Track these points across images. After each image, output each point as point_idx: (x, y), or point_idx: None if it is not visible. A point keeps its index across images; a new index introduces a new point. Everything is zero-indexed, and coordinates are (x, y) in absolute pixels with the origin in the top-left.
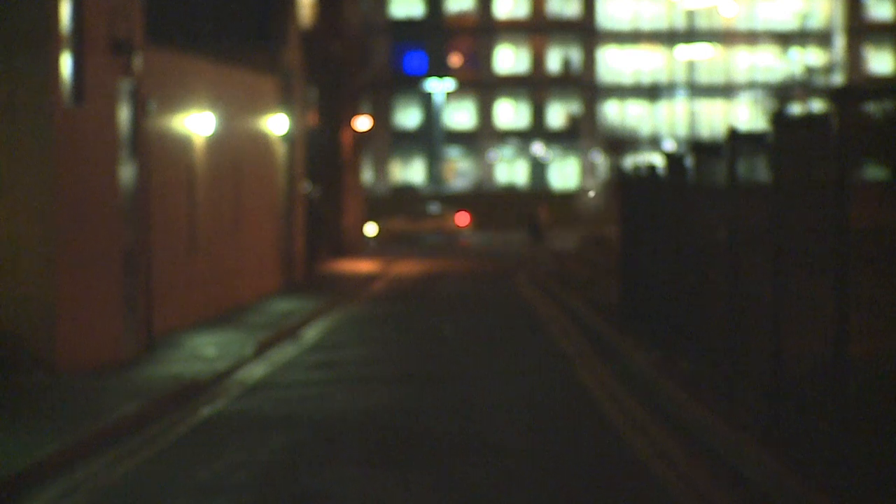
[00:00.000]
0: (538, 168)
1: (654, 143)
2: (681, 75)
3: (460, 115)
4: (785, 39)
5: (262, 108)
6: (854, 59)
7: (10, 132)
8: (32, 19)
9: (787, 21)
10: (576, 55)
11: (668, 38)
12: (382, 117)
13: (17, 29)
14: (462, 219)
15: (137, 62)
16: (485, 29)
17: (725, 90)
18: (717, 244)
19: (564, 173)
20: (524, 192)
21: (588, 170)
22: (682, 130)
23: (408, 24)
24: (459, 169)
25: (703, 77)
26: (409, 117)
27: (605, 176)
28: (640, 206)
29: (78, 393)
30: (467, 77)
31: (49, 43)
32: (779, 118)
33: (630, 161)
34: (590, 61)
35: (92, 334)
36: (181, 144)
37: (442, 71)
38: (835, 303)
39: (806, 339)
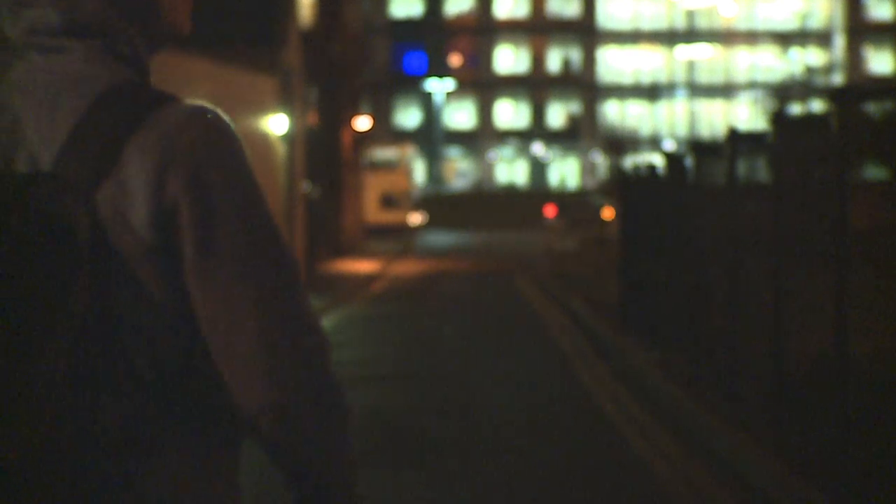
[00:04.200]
0: (538, 168)
1: (654, 143)
2: (681, 75)
3: (460, 115)
4: (785, 39)
5: (262, 108)
6: (854, 59)
7: None
8: None
9: (787, 21)
10: (576, 55)
11: (668, 38)
12: (382, 117)
13: None
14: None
15: None
16: (485, 29)
17: (725, 90)
18: (717, 244)
19: (564, 173)
20: (524, 192)
21: (588, 170)
22: (682, 130)
23: (408, 24)
24: (459, 169)
25: (703, 77)
26: (409, 117)
27: (605, 176)
28: (640, 206)
29: None
30: (467, 77)
31: None
32: (779, 118)
33: (630, 161)
34: (590, 61)
35: None
36: None
37: (442, 71)
38: (835, 303)
39: (806, 338)
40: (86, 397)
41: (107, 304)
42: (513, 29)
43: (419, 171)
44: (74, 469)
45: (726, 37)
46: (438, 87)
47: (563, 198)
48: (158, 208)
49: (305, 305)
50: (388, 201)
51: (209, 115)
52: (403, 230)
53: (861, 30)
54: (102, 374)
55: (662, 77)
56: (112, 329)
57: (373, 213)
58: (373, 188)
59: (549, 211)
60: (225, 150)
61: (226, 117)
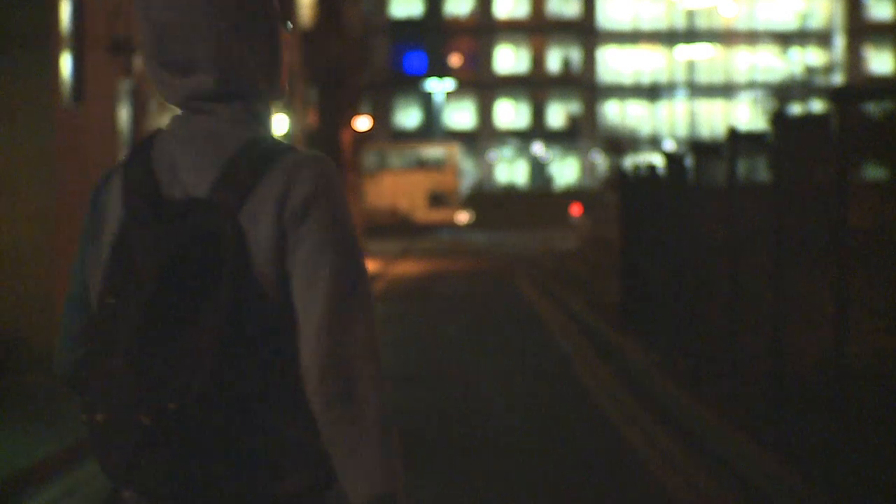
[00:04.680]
0: (538, 168)
1: (654, 143)
2: (681, 75)
3: (460, 115)
4: (785, 39)
5: None
6: (854, 59)
7: (10, 132)
8: (32, 19)
9: (787, 21)
10: (576, 55)
11: (668, 38)
12: (382, 117)
13: (17, 29)
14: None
15: (137, 62)
16: (485, 29)
17: (725, 90)
18: (716, 244)
19: (564, 173)
20: (524, 192)
21: (588, 170)
22: (682, 130)
23: (408, 24)
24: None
25: (703, 77)
26: (409, 117)
27: (605, 175)
28: (640, 206)
29: None
30: (467, 77)
31: (49, 43)
32: (779, 118)
33: (630, 161)
34: (590, 61)
35: None
36: None
37: (442, 71)
38: (835, 303)
39: (806, 338)
40: (226, 358)
41: (242, 293)
42: (513, 29)
43: None
44: (220, 411)
45: (726, 37)
46: (438, 87)
47: (571, 196)
48: (279, 223)
49: (365, 305)
50: (437, 200)
51: (319, 161)
52: (451, 229)
53: (861, 30)
54: (237, 342)
55: (662, 77)
56: (244, 308)
57: (421, 211)
58: (421, 187)
59: (576, 210)
60: (327, 188)
61: (331, 163)
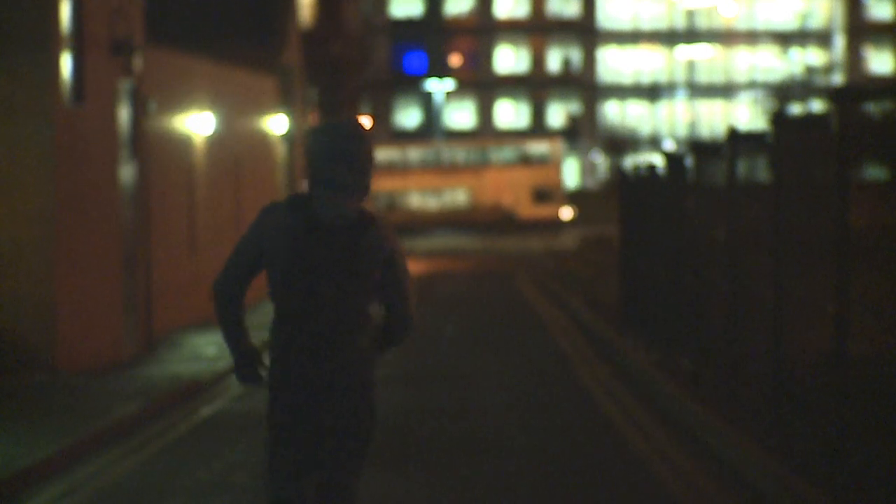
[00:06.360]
0: None
1: (654, 143)
2: (681, 75)
3: (460, 115)
4: (785, 39)
5: (262, 108)
6: (854, 59)
7: (10, 132)
8: (32, 19)
9: (787, 21)
10: (576, 55)
11: (668, 38)
12: (382, 117)
13: (17, 29)
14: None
15: (137, 62)
16: (485, 29)
17: (725, 90)
18: (716, 244)
19: (564, 173)
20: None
21: (588, 170)
22: (682, 130)
23: (408, 24)
24: None
25: (703, 77)
26: (409, 117)
27: (605, 176)
28: (640, 206)
29: (78, 393)
30: (467, 77)
31: (49, 43)
32: (779, 118)
33: (630, 161)
34: (590, 61)
35: (92, 334)
36: (181, 144)
37: (442, 71)
38: (835, 303)
39: (806, 338)
40: (354, 306)
41: (363, 278)
42: (513, 29)
43: None
44: (349, 331)
45: (726, 37)
46: (438, 87)
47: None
48: (385, 251)
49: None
50: (541, 195)
51: (389, 222)
52: (555, 225)
53: (861, 30)
54: (359, 299)
55: (662, 77)
56: (364, 284)
57: (526, 207)
58: (525, 183)
59: None
60: (396, 236)
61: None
